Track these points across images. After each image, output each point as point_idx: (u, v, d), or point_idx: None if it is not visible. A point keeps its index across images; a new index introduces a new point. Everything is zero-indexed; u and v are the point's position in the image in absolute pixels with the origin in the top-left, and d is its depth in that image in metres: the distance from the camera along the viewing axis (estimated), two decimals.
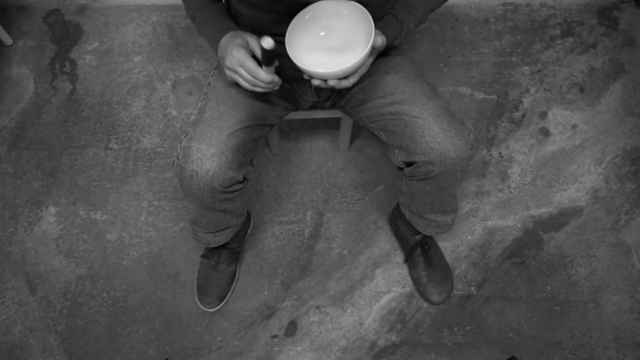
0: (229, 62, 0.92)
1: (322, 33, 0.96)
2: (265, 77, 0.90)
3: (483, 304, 1.41)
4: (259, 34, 1.02)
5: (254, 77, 0.91)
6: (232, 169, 0.99)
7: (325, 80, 0.92)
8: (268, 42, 0.82)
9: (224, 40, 0.95)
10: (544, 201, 1.54)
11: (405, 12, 1.00)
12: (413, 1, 1.00)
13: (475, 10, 1.87)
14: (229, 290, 1.40)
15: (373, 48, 0.91)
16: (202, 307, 1.38)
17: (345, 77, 0.93)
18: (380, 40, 0.91)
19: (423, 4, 1.01)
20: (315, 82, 0.93)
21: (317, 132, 1.65)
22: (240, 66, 0.91)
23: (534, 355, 1.35)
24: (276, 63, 0.93)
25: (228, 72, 0.94)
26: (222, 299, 1.39)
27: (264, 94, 1.07)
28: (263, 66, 0.91)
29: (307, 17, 0.93)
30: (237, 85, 1.05)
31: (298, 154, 1.62)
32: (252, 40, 0.92)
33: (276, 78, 0.92)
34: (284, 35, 1.00)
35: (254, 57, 0.92)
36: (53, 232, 1.50)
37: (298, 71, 0.92)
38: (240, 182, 1.04)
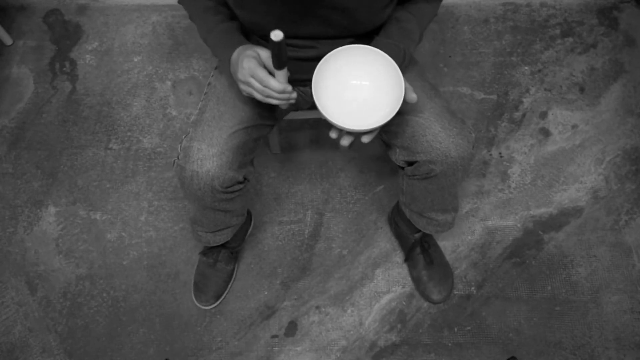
0: (240, 74, 0.89)
1: (353, 82, 0.94)
2: (276, 85, 0.87)
3: (483, 304, 1.41)
4: (260, 36, 1.03)
5: (265, 86, 0.88)
6: (232, 169, 0.99)
7: (358, 134, 0.91)
8: (277, 35, 0.76)
9: (235, 55, 0.92)
10: (544, 201, 1.54)
11: (404, 39, 0.98)
12: (409, 27, 0.98)
13: (475, 10, 1.87)
14: (226, 289, 1.40)
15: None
16: (198, 305, 1.39)
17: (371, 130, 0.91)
18: (415, 97, 0.90)
19: (417, 27, 1.00)
20: (345, 143, 0.92)
21: (317, 132, 1.65)
22: (252, 76, 0.88)
23: (534, 355, 1.35)
24: (288, 73, 0.89)
25: (242, 86, 0.91)
26: (218, 298, 1.39)
27: None
28: (275, 73, 0.87)
29: (336, 66, 0.91)
30: (237, 85, 1.05)
31: (298, 154, 1.62)
32: (263, 52, 0.89)
33: (289, 87, 0.88)
34: (284, 37, 1.00)
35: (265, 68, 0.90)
36: (53, 232, 1.50)
37: (298, 72, 0.92)
38: (240, 182, 1.04)
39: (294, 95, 0.91)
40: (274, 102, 0.91)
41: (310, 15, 0.93)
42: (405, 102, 0.89)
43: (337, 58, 0.90)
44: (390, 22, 0.99)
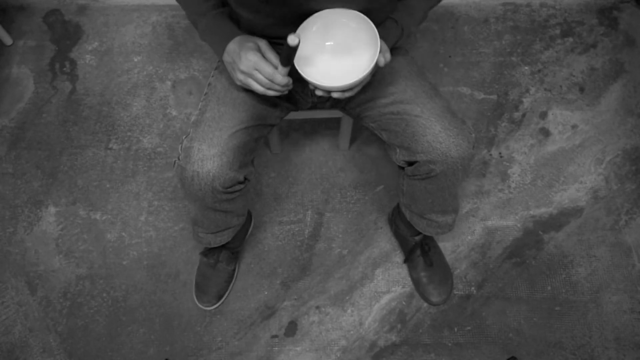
0: (244, 66, 0.91)
1: (328, 43, 0.96)
2: (282, 79, 0.90)
3: (483, 304, 1.41)
4: (260, 36, 1.03)
5: (271, 80, 0.91)
6: (233, 170, 0.99)
7: (329, 92, 0.93)
8: (294, 39, 0.80)
9: (233, 45, 0.94)
10: (544, 201, 1.54)
11: (405, 15, 0.99)
12: (412, 4, 1.00)
13: (475, 10, 1.87)
14: (227, 289, 1.40)
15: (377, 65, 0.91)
16: (200, 305, 1.39)
17: (349, 89, 0.93)
18: (383, 60, 0.91)
19: (422, 4, 1.01)
20: (319, 93, 0.93)
21: (317, 132, 1.65)
22: (256, 69, 0.91)
23: (534, 355, 1.35)
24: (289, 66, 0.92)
25: (241, 77, 0.94)
26: (220, 298, 1.39)
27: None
28: (279, 68, 0.90)
29: (314, 28, 0.93)
30: (238, 85, 1.05)
31: (298, 154, 1.62)
32: (262, 44, 0.92)
33: (291, 81, 0.92)
34: (282, 38, 1.00)
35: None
36: (53, 232, 1.50)
37: (297, 72, 0.92)
38: (241, 183, 1.04)
39: (291, 85, 0.94)
40: (272, 93, 0.94)
41: (308, 14, 0.93)
42: (380, 67, 0.92)
43: (315, 21, 0.92)
44: None
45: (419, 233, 1.37)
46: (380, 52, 0.90)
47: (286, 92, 0.96)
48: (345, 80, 0.88)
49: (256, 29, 1.00)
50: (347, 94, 0.93)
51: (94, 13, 1.87)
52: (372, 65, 0.87)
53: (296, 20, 0.94)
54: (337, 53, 0.97)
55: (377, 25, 0.93)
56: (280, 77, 0.90)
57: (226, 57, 0.96)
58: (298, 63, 0.90)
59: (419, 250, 1.39)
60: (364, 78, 0.90)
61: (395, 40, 0.99)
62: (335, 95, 0.93)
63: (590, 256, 1.46)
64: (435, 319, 1.39)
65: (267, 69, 0.90)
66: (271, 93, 0.94)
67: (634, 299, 1.41)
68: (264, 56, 0.92)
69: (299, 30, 0.92)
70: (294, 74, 0.92)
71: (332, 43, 0.96)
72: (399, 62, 1.08)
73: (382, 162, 1.60)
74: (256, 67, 0.90)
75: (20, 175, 1.58)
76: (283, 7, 0.91)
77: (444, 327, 1.38)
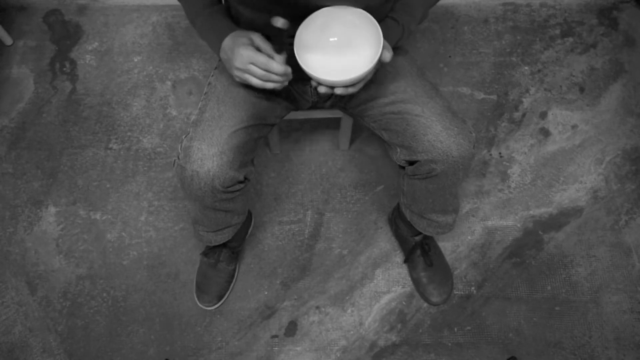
0: (238, 62, 0.91)
1: (331, 39, 0.96)
2: (278, 68, 0.89)
3: (483, 304, 1.41)
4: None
5: (267, 71, 0.90)
6: (233, 169, 0.99)
7: (332, 87, 0.92)
8: (277, 20, 0.81)
9: (227, 42, 0.94)
10: (544, 201, 1.54)
11: (405, 14, 0.99)
12: (412, 2, 1.00)
13: (475, 10, 1.87)
14: (228, 289, 1.40)
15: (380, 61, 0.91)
16: (201, 305, 1.39)
17: (351, 85, 0.92)
18: (389, 56, 0.91)
19: (422, 2, 1.01)
20: (322, 90, 0.92)
21: (317, 132, 1.65)
22: (251, 63, 0.90)
23: (534, 355, 1.35)
24: (285, 54, 0.91)
25: (237, 73, 0.93)
26: (221, 298, 1.39)
27: (264, 93, 1.07)
28: (275, 56, 0.89)
29: (317, 24, 0.93)
30: (238, 84, 1.05)
31: (298, 154, 1.62)
32: (255, 37, 0.92)
33: (289, 69, 0.91)
34: (281, 36, 1.00)
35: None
36: (53, 232, 1.50)
37: (298, 72, 0.92)
38: (241, 182, 1.04)
39: (291, 75, 0.93)
40: (270, 85, 0.93)
41: (309, 13, 0.93)
42: (382, 65, 0.91)
43: (318, 17, 0.92)
44: None
45: (419, 233, 1.37)
46: (384, 48, 0.89)
47: (285, 84, 0.94)
48: (348, 75, 0.88)
49: (257, 27, 1.00)
50: (350, 90, 0.92)
51: (94, 13, 1.87)
52: (375, 60, 0.87)
53: (297, 17, 0.94)
54: (340, 49, 0.96)
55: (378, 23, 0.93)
56: (277, 64, 0.89)
57: (222, 55, 0.96)
58: (300, 59, 0.90)
59: (419, 250, 1.39)
60: (368, 73, 0.89)
61: (397, 39, 0.99)
62: (338, 91, 0.91)
63: (590, 256, 1.46)
64: (435, 319, 1.39)
65: (261, 58, 0.89)
66: (270, 85, 0.93)
67: (633, 299, 1.41)
68: (258, 49, 0.91)
69: (301, 27, 0.91)
70: (294, 73, 0.92)
71: (335, 39, 0.96)
72: (400, 62, 1.08)
73: (382, 162, 1.60)
74: (250, 60, 0.89)
75: (20, 175, 1.58)
76: (282, 4, 0.92)
77: (444, 327, 1.38)
